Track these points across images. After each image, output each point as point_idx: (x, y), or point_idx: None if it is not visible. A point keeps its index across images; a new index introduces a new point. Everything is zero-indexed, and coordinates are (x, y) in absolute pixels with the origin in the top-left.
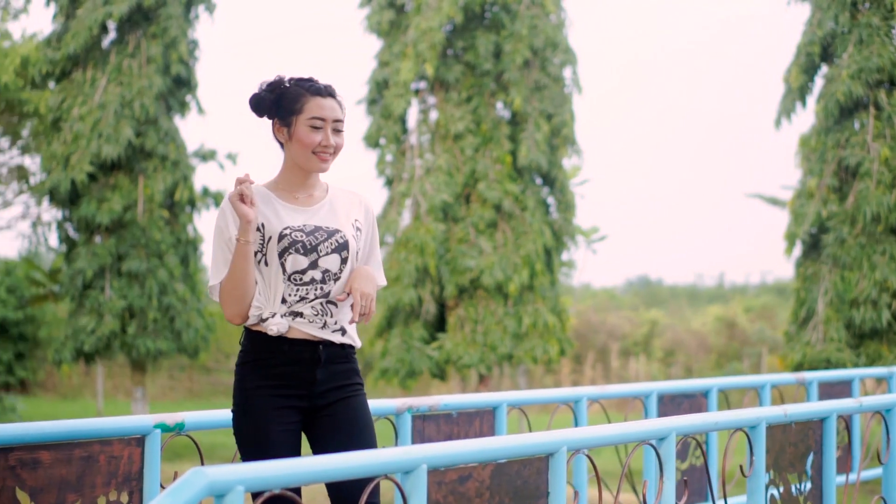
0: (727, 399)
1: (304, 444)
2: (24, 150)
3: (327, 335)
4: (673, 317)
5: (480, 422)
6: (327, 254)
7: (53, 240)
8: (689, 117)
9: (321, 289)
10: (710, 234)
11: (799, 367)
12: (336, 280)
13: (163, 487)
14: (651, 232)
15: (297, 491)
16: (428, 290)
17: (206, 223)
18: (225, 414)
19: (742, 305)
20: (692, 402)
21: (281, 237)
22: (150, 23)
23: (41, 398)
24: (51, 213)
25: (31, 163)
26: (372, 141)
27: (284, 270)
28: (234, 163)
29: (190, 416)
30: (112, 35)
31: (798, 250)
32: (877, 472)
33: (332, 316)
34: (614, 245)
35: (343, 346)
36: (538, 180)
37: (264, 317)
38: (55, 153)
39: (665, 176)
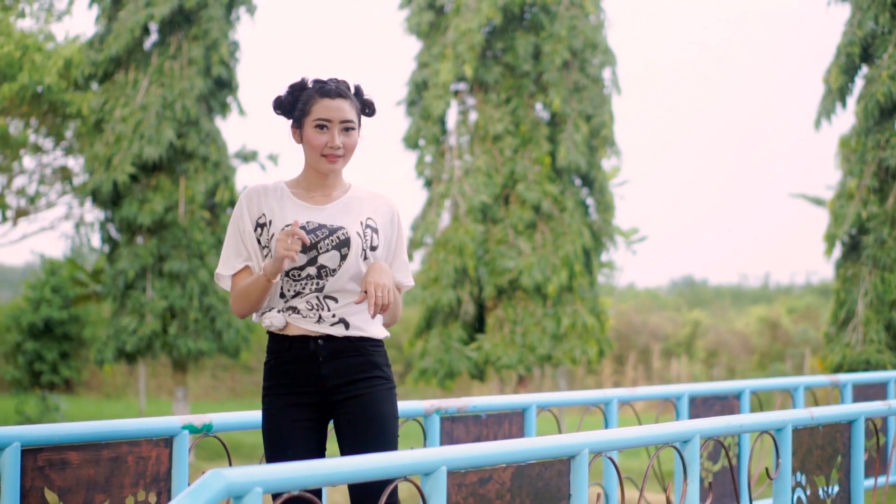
0: (760, 401)
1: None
2: (68, 152)
3: (325, 329)
4: (716, 317)
5: (510, 423)
6: (327, 251)
7: (96, 240)
8: (732, 116)
9: (317, 283)
10: (755, 235)
11: (839, 369)
12: (333, 275)
13: None
14: (697, 232)
15: (319, 491)
16: (467, 290)
17: None
18: (253, 415)
19: (786, 306)
20: (724, 404)
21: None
22: (192, 25)
23: (85, 397)
24: (93, 214)
25: (75, 164)
26: (411, 142)
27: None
28: (276, 164)
29: (218, 418)
30: (154, 37)
31: (838, 251)
32: None
33: (328, 310)
34: (660, 245)
35: (350, 339)
36: (577, 181)
37: (264, 311)
38: (97, 154)
39: (709, 175)
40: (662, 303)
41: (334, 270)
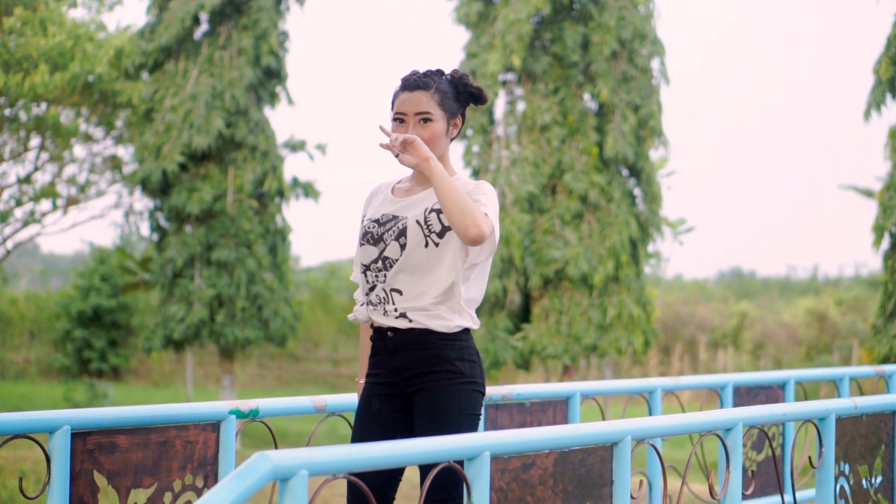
0: (805, 392)
1: None
2: (118, 141)
3: (390, 322)
4: (763, 309)
5: (554, 411)
6: (390, 242)
7: (145, 229)
8: (782, 106)
9: (384, 276)
10: (804, 226)
11: (886, 360)
12: (394, 265)
13: None
14: (745, 223)
15: (396, 475)
16: (513, 280)
17: (294, 213)
18: (299, 401)
19: (834, 298)
20: (769, 393)
21: (362, 228)
22: (242, 15)
23: (133, 385)
24: (143, 203)
25: (125, 153)
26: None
27: (362, 260)
28: (324, 153)
29: (264, 403)
30: (204, 27)
31: (886, 243)
32: None
33: (392, 303)
34: (707, 236)
35: (414, 331)
36: (624, 171)
37: (358, 304)
38: (147, 143)
39: (757, 166)
40: (709, 294)
41: (396, 261)
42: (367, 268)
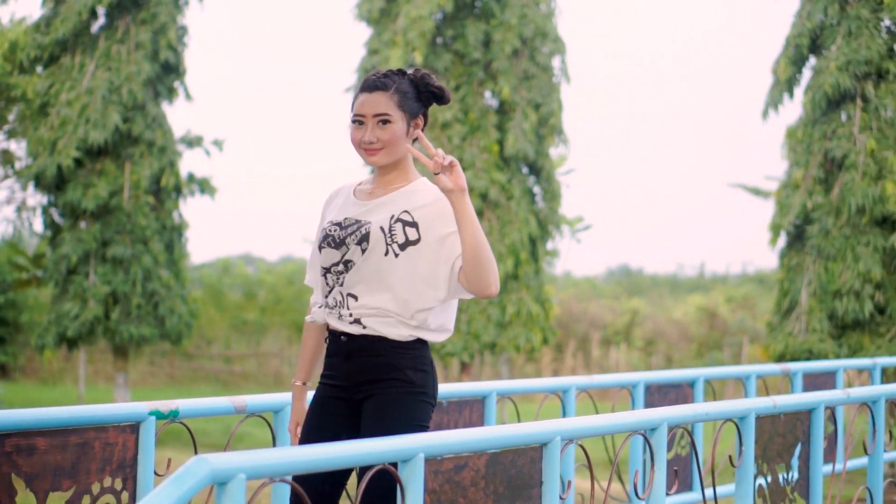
0: (712, 389)
1: None
2: (11, 135)
3: (344, 326)
4: (654, 306)
5: (470, 411)
6: (352, 246)
7: (38, 225)
8: (675, 107)
9: (343, 279)
10: (691, 224)
11: (781, 358)
12: (353, 269)
13: (157, 474)
14: (632, 221)
15: (340, 478)
16: None
17: (191, 209)
18: (218, 402)
19: (723, 295)
20: (679, 392)
21: (322, 231)
22: (140, 8)
23: (22, 383)
24: (36, 199)
25: (17, 147)
26: None
27: (322, 263)
28: (220, 149)
29: (184, 404)
30: (101, 20)
31: (783, 241)
32: (862, 461)
33: (347, 308)
34: (596, 234)
35: (367, 337)
36: (524, 169)
37: (316, 307)
38: (42, 138)
39: (649, 165)
40: (600, 291)
41: (355, 265)
42: (327, 270)
